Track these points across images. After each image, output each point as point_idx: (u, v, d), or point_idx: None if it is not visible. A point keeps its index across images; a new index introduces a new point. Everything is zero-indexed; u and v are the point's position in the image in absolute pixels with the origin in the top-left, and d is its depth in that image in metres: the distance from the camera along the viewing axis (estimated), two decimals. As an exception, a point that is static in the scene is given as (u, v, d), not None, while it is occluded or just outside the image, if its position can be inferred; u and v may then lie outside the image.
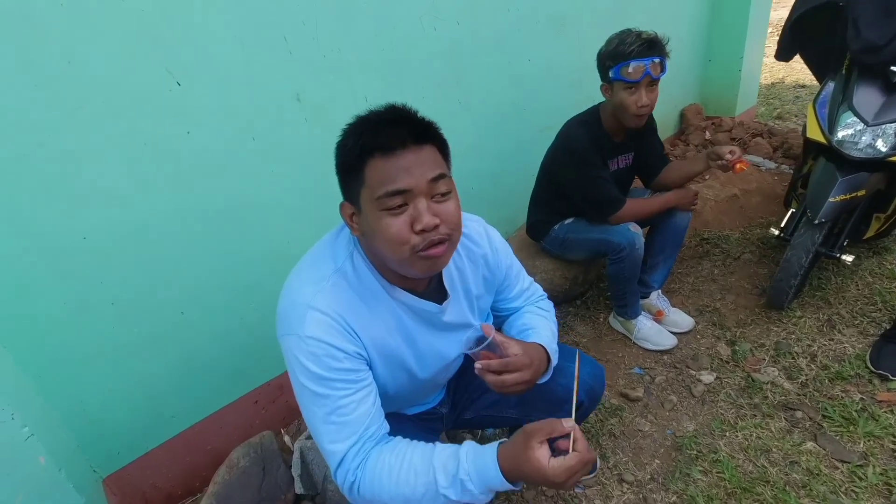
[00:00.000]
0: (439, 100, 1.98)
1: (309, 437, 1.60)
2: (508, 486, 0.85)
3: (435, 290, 1.05)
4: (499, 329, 1.22)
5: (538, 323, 1.15)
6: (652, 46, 1.64)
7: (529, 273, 1.29)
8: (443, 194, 0.87)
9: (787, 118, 4.01)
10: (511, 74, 2.26)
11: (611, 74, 1.69)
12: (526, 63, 2.31)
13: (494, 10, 2.08)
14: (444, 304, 1.04)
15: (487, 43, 2.09)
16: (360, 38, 1.68)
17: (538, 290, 1.28)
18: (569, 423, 0.82)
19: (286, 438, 1.80)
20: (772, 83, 5.00)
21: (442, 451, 0.89)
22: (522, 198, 2.18)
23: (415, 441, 0.94)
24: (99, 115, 1.23)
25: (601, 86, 1.79)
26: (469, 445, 0.88)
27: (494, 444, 0.87)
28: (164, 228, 1.41)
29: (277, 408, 1.85)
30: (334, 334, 0.90)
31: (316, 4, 1.54)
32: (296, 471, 1.58)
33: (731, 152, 1.78)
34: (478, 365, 0.95)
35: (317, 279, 0.94)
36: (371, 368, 0.99)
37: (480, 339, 0.95)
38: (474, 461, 0.86)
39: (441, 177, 0.86)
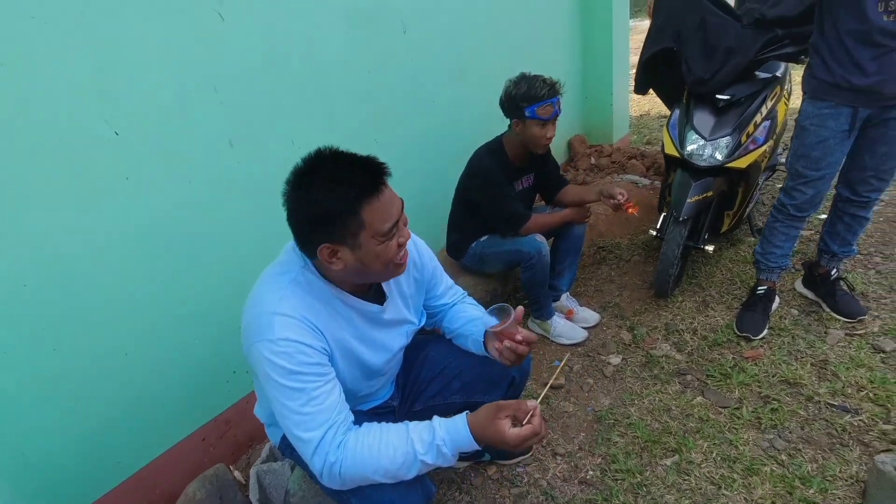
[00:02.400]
0: (360, 140, 2.19)
1: (265, 462, 1.65)
2: (475, 447, 1.04)
3: (375, 293, 1.23)
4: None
5: (481, 315, 1.37)
6: (556, 90, 1.98)
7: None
8: (402, 212, 1.08)
9: (655, 143, 4.67)
10: (423, 113, 2.52)
11: (526, 113, 1.98)
12: (433, 104, 2.60)
13: (405, 59, 2.35)
14: (384, 304, 1.23)
15: (398, 87, 2.35)
16: (285, 86, 1.85)
17: (460, 289, 1.51)
18: (532, 404, 1.05)
19: (236, 474, 1.83)
20: (640, 115, 5.78)
21: (416, 426, 1.07)
22: (441, 222, 2.42)
23: (385, 423, 1.10)
24: (46, 164, 1.30)
25: (512, 121, 2.08)
26: (439, 419, 1.08)
27: (463, 415, 1.07)
28: (105, 269, 1.45)
29: (226, 444, 1.87)
30: (303, 333, 1.04)
31: (243, 58, 1.70)
32: (254, 496, 1.62)
33: (620, 194, 2.10)
34: (519, 337, 1.19)
35: (276, 289, 1.08)
36: (332, 363, 1.13)
37: (500, 312, 1.22)
38: (447, 429, 1.05)
39: (403, 202, 1.08)
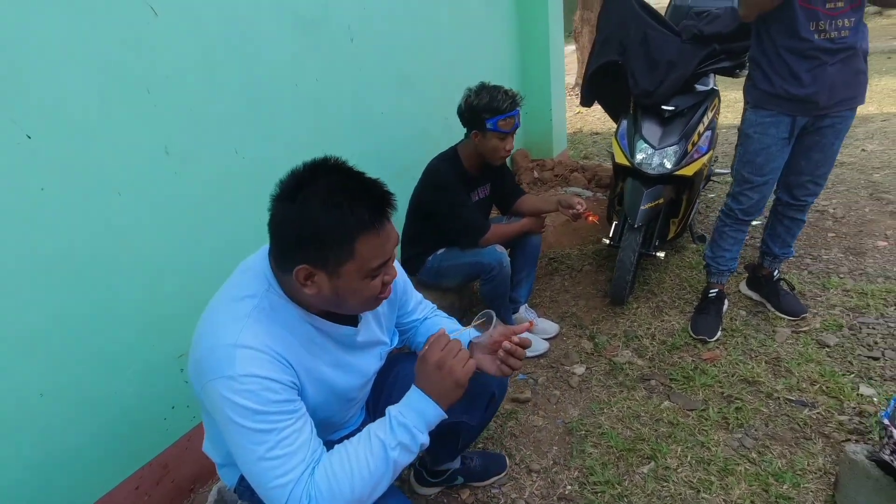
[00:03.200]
0: (306, 151, 2.06)
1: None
2: (435, 408, 0.99)
3: (347, 316, 1.11)
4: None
5: (457, 327, 1.28)
6: (517, 103, 1.95)
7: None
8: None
9: (591, 157, 4.84)
10: (367, 125, 2.43)
11: (488, 125, 1.92)
12: (379, 115, 2.52)
13: (348, 68, 2.26)
14: (358, 326, 1.11)
15: (344, 97, 2.25)
16: (226, 91, 1.70)
17: (429, 302, 1.41)
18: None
19: (177, 524, 1.61)
20: (574, 132, 5.99)
21: (374, 424, 0.99)
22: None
23: (347, 440, 0.98)
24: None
25: (471, 132, 2.02)
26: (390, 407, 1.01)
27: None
28: (14, 295, 1.24)
29: (163, 490, 1.64)
30: (268, 367, 0.91)
31: (178, 59, 1.54)
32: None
33: (579, 203, 2.11)
34: (516, 338, 1.11)
35: (236, 318, 0.94)
36: (302, 396, 1.00)
37: (485, 323, 1.13)
38: (401, 403, 1.01)
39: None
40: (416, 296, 1.37)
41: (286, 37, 1.92)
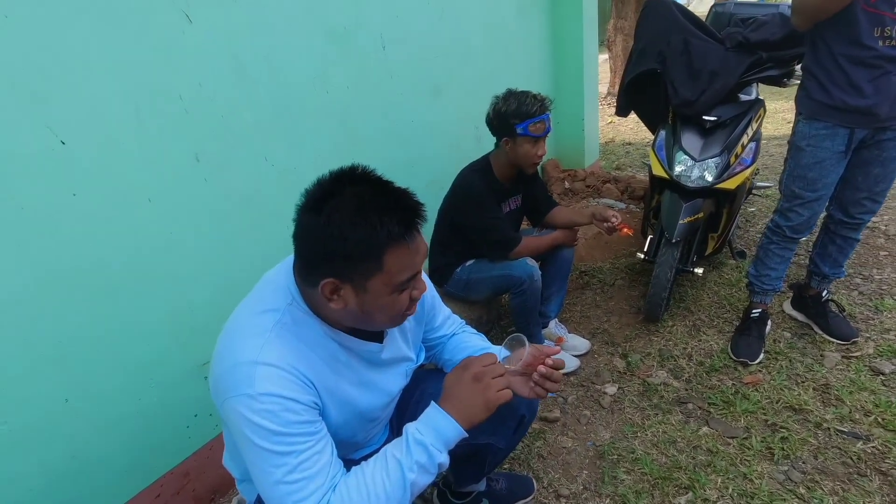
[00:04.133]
0: (335, 160, 2.04)
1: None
2: (457, 427, 0.94)
3: (372, 331, 1.07)
4: None
5: (487, 344, 1.22)
6: (546, 106, 1.90)
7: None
8: None
9: (624, 168, 4.72)
10: (398, 135, 2.41)
11: (518, 130, 1.88)
12: (410, 125, 2.49)
13: (382, 78, 2.24)
14: (384, 342, 1.07)
15: (375, 107, 2.23)
16: (256, 100, 1.70)
17: (458, 318, 1.36)
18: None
19: (197, 534, 1.59)
20: (606, 142, 5.87)
21: (391, 444, 0.95)
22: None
23: (366, 461, 0.94)
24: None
25: (502, 140, 1.97)
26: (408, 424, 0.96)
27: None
28: (45, 302, 1.24)
29: (183, 499, 1.63)
30: (290, 386, 0.87)
31: (210, 67, 1.54)
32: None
33: (614, 216, 2.05)
34: (550, 361, 1.05)
35: (257, 333, 0.90)
36: (324, 416, 0.97)
37: (515, 344, 1.09)
38: (420, 421, 0.96)
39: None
40: (445, 310, 1.32)
41: (317, 45, 1.91)
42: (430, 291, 1.25)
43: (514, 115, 1.88)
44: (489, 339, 1.32)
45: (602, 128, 6.23)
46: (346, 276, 0.87)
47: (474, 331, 1.36)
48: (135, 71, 1.36)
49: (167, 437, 1.56)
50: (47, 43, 1.19)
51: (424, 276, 1.21)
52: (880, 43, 1.56)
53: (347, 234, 0.84)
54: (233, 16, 1.59)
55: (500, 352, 1.17)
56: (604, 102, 7.38)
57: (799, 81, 1.88)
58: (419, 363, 1.23)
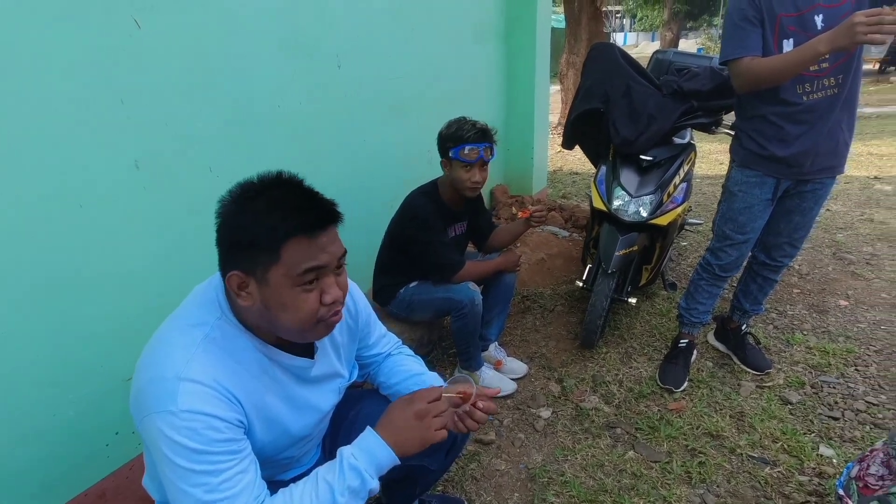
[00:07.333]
0: (285, 170, 2.03)
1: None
2: (391, 454, 0.96)
3: (304, 346, 1.06)
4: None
5: (424, 369, 1.24)
6: (484, 135, 1.97)
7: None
8: (340, 266, 0.95)
9: (570, 197, 4.91)
10: (352, 153, 2.42)
11: (451, 154, 1.96)
12: (363, 144, 2.51)
13: (339, 94, 2.25)
14: (315, 357, 1.07)
15: (333, 125, 2.24)
16: (204, 109, 1.67)
17: (393, 336, 1.38)
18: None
19: (110, 561, 1.49)
20: (554, 170, 6.09)
21: (322, 468, 0.95)
22: (367, 265, 2.28)
23: (295, 483, 0.94)
24: None
25: (441, 160, 2.05)
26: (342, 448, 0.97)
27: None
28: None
29: (98, 523, 1.53)
30: (214, 403, 0.86)
31: (156, 74, 1.51)
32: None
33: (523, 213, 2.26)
34: (481, 404, 1.07)
35: (184, 347, 0.89)
36: (249, 434, 0.95)
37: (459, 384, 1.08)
38: (355, 444, 0.97)
39: (345, 253, 0.94)
40: (380, 328, 1.33)
41: (271, 58, 1.90)
42: (366, 307, 1.26)
43: (450, 138, 1.97)
44: (430, 360, 1.34)
45: (551, 156, 6.45)
46: (250, 268, 0.88)
47: (411, 352, 1.38)
48: (77, 72, 1.32)
49: (84, 455, 1.47)
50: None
51: (359, 294, 1.23)
52: (804, 98, 1.72)
53: (251, 222, 0.87)
54: (185, 24, 1.57)
55: (435, 379, 1.19)
56: (554, 132, 7.65)
57: (725, 130, 2.04)
58: (352, 380, 1.23)
